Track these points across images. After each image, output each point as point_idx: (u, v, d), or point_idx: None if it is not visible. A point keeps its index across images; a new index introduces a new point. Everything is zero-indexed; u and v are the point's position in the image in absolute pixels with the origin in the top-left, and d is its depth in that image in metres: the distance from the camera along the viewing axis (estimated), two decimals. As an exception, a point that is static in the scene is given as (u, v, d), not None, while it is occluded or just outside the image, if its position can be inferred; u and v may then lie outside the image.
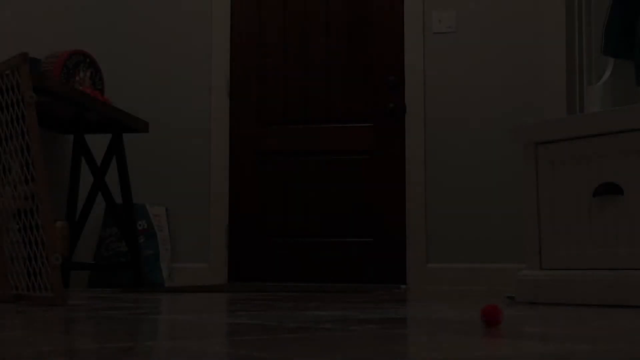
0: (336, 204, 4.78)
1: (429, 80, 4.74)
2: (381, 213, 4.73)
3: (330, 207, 4.79)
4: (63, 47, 4.44)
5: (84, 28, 4.85)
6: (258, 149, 4.92)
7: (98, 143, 4.57)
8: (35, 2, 4.34)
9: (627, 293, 2.48)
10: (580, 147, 2.66)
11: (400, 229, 4.69)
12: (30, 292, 2.57)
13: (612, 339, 1.36)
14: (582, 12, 3.41)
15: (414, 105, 4.73)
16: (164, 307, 2.50)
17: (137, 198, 4.76)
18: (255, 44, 4.99)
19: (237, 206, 4.89)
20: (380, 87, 4.81)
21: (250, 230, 4.87)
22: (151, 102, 5.00)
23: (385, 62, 4.82)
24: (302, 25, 4.94)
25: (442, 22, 4.75)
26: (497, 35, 4.69)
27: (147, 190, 4.85)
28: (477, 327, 1.62)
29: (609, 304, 2.50)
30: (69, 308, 2.30)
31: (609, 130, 2.58)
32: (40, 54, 4.26)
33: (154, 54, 5.05)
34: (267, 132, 4.93)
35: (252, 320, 1.78)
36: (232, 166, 4.93)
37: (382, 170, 4.77)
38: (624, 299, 2.48)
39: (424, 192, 4.65)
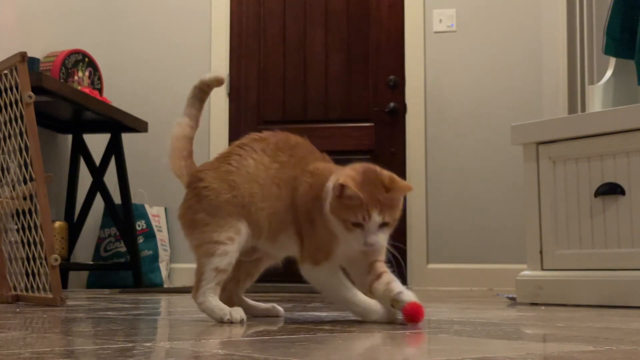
0: (336, 204, 4.77)
1: (429, 80, 4.73)
2: (381, 213, 4.72)
3: (330, 208, 4.78)
4: (61, 46, 4.42)
5: (83, 27, 4.84)
6: (257, 149, 4.91)
7: (97, 143, 4.56)
8: (35, 1, 4.33)
9: (628, 294, 2.47)
10: (582, 147, 2.65)
11: (400, 229, 4.68)
12: (28, 293, 2.56)
13: (613, 339, 1.36)
14: (583, 12, 3.40)
15: (414, 105, 4.72)
16: (163, 307, 2.49)
17: (136, 198, 4.75)
18: (255, 44, 4.98)
19: (236, 206, 4.88)
20: (380, 87, 4.80)
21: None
22: (150, 101, 4.98)
23: (385, 61, 4.81)
24: (302, 25, 4.93)
25: (442, 22, 4.74)
26: (498, 34, 4.68)
27: (146, 190, 4.84)
28: (478, 327, 1.61)
29: (611, 304, 2.49)
30: (68, 309, 2.29)
31: (611, 130, 2.57)
32: (39, 53, 4.25)
33: (153, 53, 5.04)
34: (267, 132, 4.91)
35: (252, 321, 1.77)
36: (231, 166, 4.91)
37: (381, 170, 4.75)
38: (626, 299, 2.47)
39: (424, 192, 4.64)
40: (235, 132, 4.94)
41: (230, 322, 1.70)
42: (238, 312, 1.72)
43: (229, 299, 1.87)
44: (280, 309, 1.93)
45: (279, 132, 1.83)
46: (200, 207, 1.80)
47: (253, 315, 1.91)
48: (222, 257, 1.73)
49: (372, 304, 1.73)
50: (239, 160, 1.78)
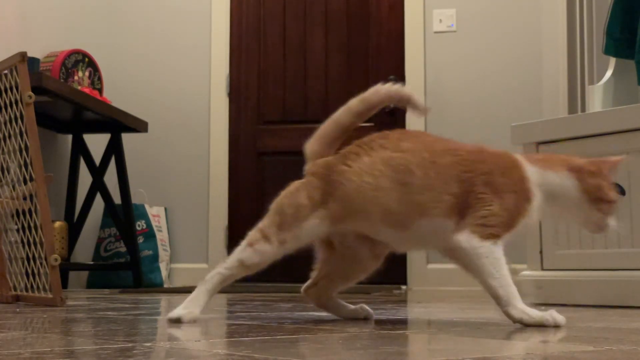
0: (336, 204, 4.76)
1: (429, 79, 4.73)
2: (381, 213, 4.71)
3: (330, 208, 4.77)
4: (62, 46, 4.42)
5: (83, 27, 4.84)
6: (258, 149, 4.91)
7: (97, 143, 4.56)
8: (35, 1, 4.33)
9: (628, 294, 2.47)
10: (582, 147, 2.65)
11: (400, 230, 4.67)
12: (29, 293, 2.56)
13: (613, 339, 1.36)
14: (583, 12, 3.40)
15: (414, 105, 4.72)
16: (163, 307, 2.49)
17: (136, 198, 4.75)
18: (255, 44, 4.98)
19: (236, 206, 4.88)
20: (380, 87, 4.80)
21: (249, 231, 4.85)
22: (150, 101, 4.99)
23: (385, 61, 4.81)
24: (302, 25, 4.93)
25: (442, 22, 4.74)
26: (498, 34, 4.68)
27: (146, 190, 4.84)
28: (478, 327, 1.61)
29: (611, 304, 2.49)
30: (68, 309, 2.29)
31: (611, 130, 2.57)
32: (39, 53, 4.25)
33: (153, 53, 5.04)
34: (267, 132, 4.91)
35: (252, 321, 1.77)
36: (231, 166, 4.92)
37: (381, 170, 4.75)
38: (626, 299, 2.47)
39: (424, 193, 4.63)
40: (235, 132, 4.94)
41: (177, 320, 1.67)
42: (196, 305, 1.70)
43: (319, 296, 1.85)
44: (369, 310, 1.86)
45: (401, 129, 1.79)
46: (291, 197, 1.71)
47: (341, 315, 1.85)
48: (255, 254, 1.70)
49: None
50: (355, 160, 1.69)
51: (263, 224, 1.72)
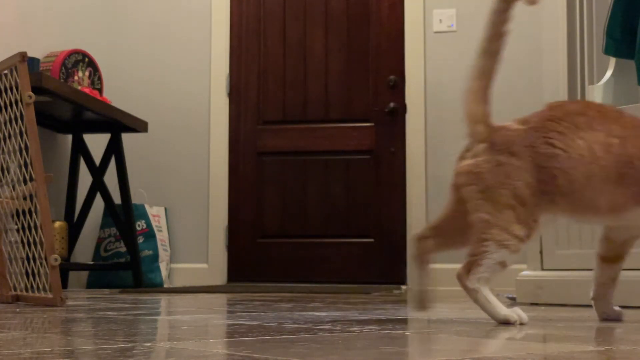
0: (336, 204, 4.77)
1: (429, 79, 4.73)
2: (381, 213, 4.72)
3: (330, 207, 4.78)
4: (62, 46, 4.42)
5: (83, 27, 4.83)
6: (257, 149, 4.91)
7: (97, 143, 4.56)
8: (35, 1, 4.33)
9: (628, 294, 2.47)
10: (581, 147, 2.65)
11: (401, 229, 4.68)
12: (28, 293, 2.56)
13: (613, 339, 1.35)
14: (583, 12, 3.40)
15: (414, 105, 4.72)
16: (163, 307, 2.49)
17: (136, 198, 4.75)
18: (255, 44, 4.97)
19: (236, 206, 4.88)
20: (380, 87, 4.80)
21: (249, 231, 4.86)
22: (150, 101, 4.98)
23: (385, 61, 4.81)
24: (302, 25, 4.93)
25: (442, 22, 4.74)
26: (497, 35, 4.68)
27: (146, 190, 4.84)
28: (478, 327, 1.61)
29: (610, 304, 2.49)
30: (68, 309, 2.29)
31: (610, 130, 2.56)
32: (39, 53, 4.25)
33: (153, 53, 5.04)
34: (267, 132, 4.91)
35: (252, 321, 1.78)
36: (231, 166, 4.92)
37: (382, 170, 4.76)
38: (626, 299, 2.47)
39: (424, 192, 4.64)
40: (235, 132, 4.94)
41: (521, 324, 1.64)
42: (516, 312, 1.66)
43: (425, 252, 1.81)
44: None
45: (586, 102, 1.73)
46: (504, 183, 1.62)
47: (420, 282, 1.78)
48: (512, 254, 1.63)
49: None
50: (563, 141, 1.62)
51: (505, 223, 1.62)
